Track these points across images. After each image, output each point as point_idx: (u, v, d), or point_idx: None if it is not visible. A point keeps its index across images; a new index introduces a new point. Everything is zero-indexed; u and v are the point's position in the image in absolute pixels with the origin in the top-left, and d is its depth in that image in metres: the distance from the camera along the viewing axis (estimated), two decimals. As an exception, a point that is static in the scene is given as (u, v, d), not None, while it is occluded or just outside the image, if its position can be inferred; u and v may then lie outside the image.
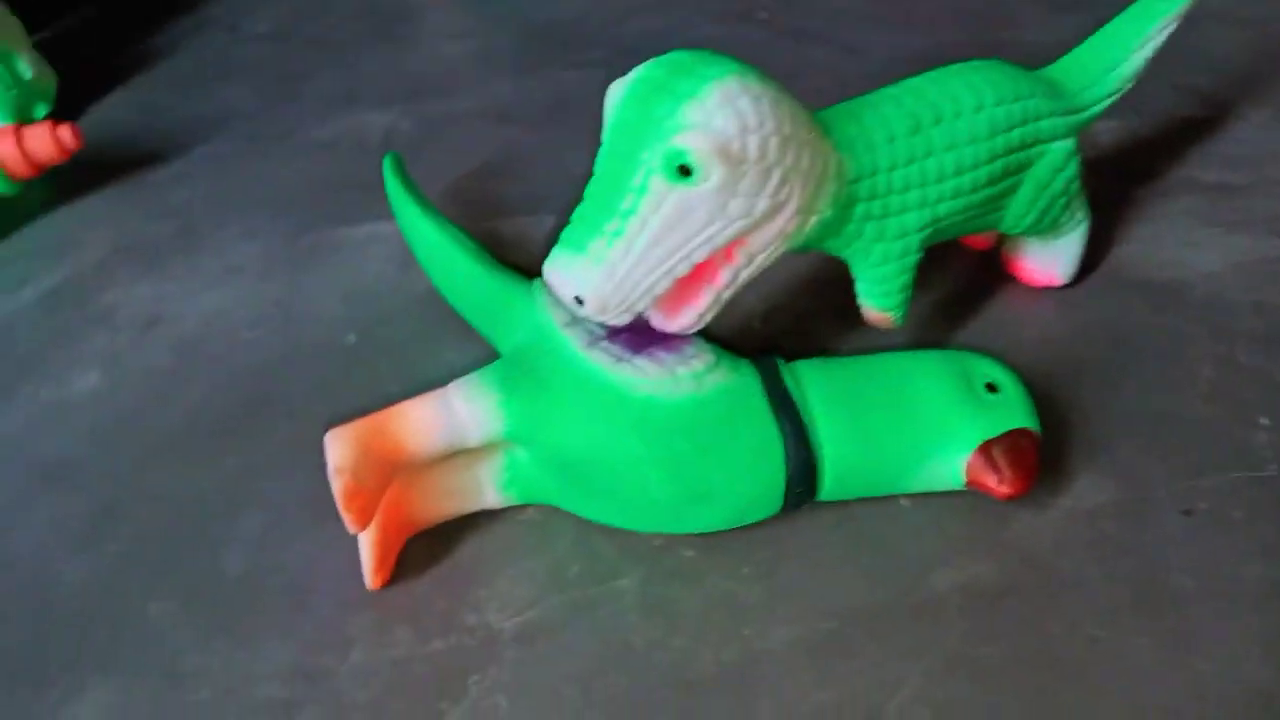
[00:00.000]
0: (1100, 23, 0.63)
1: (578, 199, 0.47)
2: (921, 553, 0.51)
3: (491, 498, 0.52)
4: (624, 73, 0.47)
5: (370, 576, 0.48)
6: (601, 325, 0.50)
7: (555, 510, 0.53)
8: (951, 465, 0.50)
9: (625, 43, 0.95)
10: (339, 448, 0.45)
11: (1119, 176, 0.74)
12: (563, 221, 0.46)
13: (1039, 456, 0.50)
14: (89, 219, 0.77)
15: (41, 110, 0.85)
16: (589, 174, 0.47)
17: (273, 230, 0.75)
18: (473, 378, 0.50)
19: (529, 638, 0.48)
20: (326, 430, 0.48)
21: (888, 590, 0.49)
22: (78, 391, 0.63)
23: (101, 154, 0.83)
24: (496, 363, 0.51)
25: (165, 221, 0.76)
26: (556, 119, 0.86)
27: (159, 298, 0.69)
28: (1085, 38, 0.62)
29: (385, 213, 0.73)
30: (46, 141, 0.73)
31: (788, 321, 0.64)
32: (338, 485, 0.45)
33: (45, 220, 0.77)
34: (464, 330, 0.63)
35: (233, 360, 0.64)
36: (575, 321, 0.51)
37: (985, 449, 0.49)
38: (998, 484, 0.49)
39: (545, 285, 0.54)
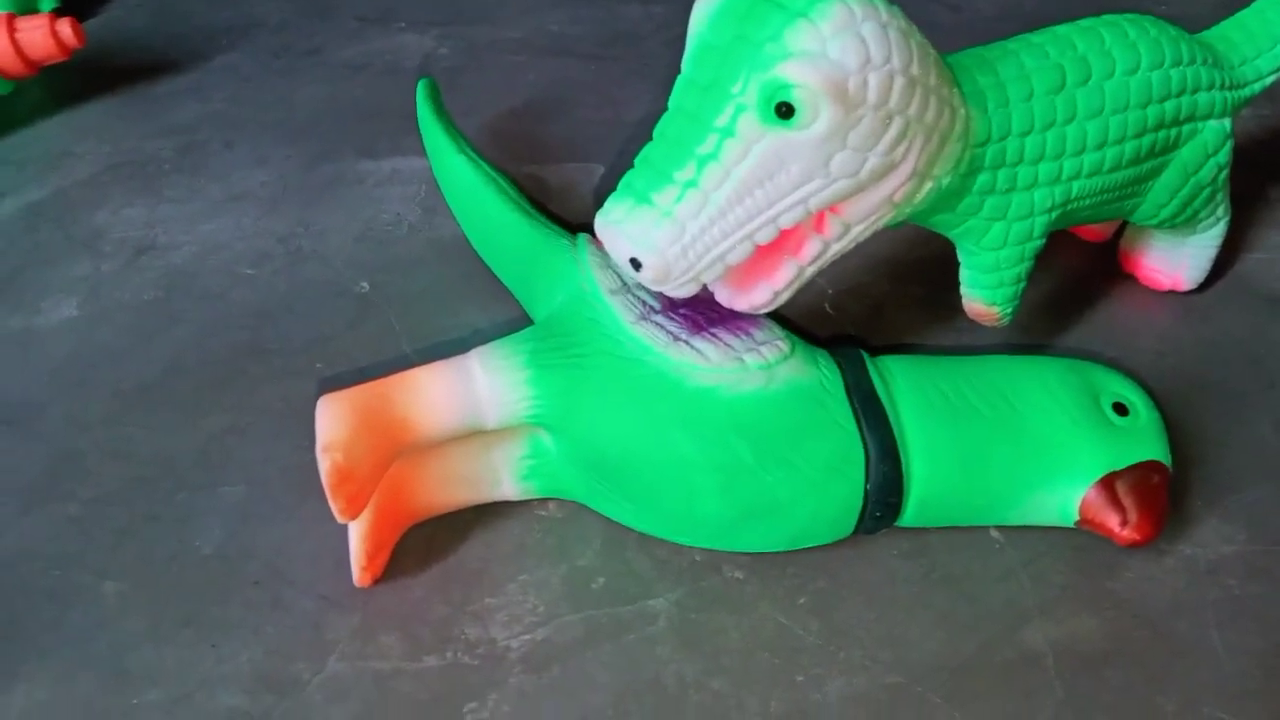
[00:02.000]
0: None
1: (634, 147, 0.38)
2: (1012, 599, 0.42)
3: (508, 488, 0.44)
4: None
5: (359, 571, 0.41)
6: (657, 296, 0.42)
7: (581, 508, 0.45)
8: (1064, 498, 0.41)
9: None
10: (331, 419, 0.37)
11: (1252, 171, 0.65)
12: (617, 170, 0.38)
13: (1169, 498, 0.42)
14: (84, 129, 0.69)
15: (47, 3, 0.77)
16: (651, 119, 0.39)
17: (287, 157, 0.66)
18: (498, 346, 0.41)
19: (540, 661, 0.40)
20: (322, 393, 0.40)
21: (969, 642, 0.41)
22: (50, 322, 0.55)
23: (106, 57, 0.75)
24: (527, 330, 0.43)
25: (168, 139, 0.68)
26: (613, 55, 0.77)
27: (152, 222, 0.61)
28: (1231, 12, 0.52)
29: (414, 147, 0.65)
30: (43, 35, 0.65)
31: (862, 309, 0.56)
32: (326, 465, 0.37)
33: (36, 127, 0.70)
34: (493, 287, 0.55)
35: (227, 300, 0.56)
36: (625, 289, 0.43)
37: (1108, 483, 0.41)
38: (1119, 526, 0.40)
39: (592, 242, 0.46)
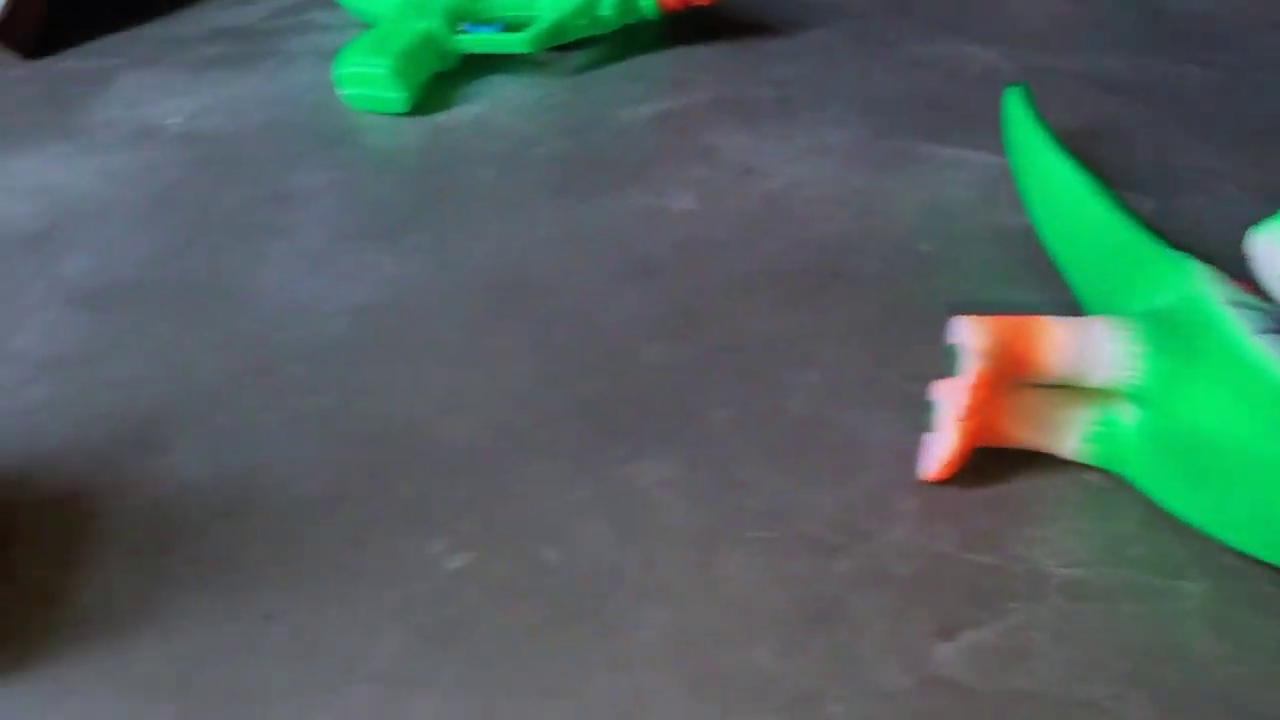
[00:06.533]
0: None
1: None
2: None
3: (1069, 445, 0.49)
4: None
5: (937, 465, 0.48)
6: (1275, 318, 0.45)
7: (1122, 485, 0.49)
8: None
9: (1262, 54, 0.86)
10: (980, 333, 0.45)
11: None
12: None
13: None
14: (697, 66, 0.83)
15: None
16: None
17: (863, 125, 0.76)
18: (1117, 320, 0.47)
19: (1079, 594, 0.45)
20: (959, 318, 0.48)
21: None
22: (674, 207, 0.68)
23: (718, 13, 0.89)
24: (1141, 316, 0.48)
25: (767, 88, 0.80)
26: (1168, 107, 0.79)
27: (754, 152, 0.73)
28: None
29: (973, 142, 0.72)
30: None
31: None
32: (973, 368, 0.44)
33: (659, 56, 0.84)
34: (1042, 276, 0.60)
35: (813, 226, 0.66)
36: (1240, 304, 0.46)
37: None
38: None
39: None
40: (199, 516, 0.50)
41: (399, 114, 0.78)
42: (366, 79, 0.77)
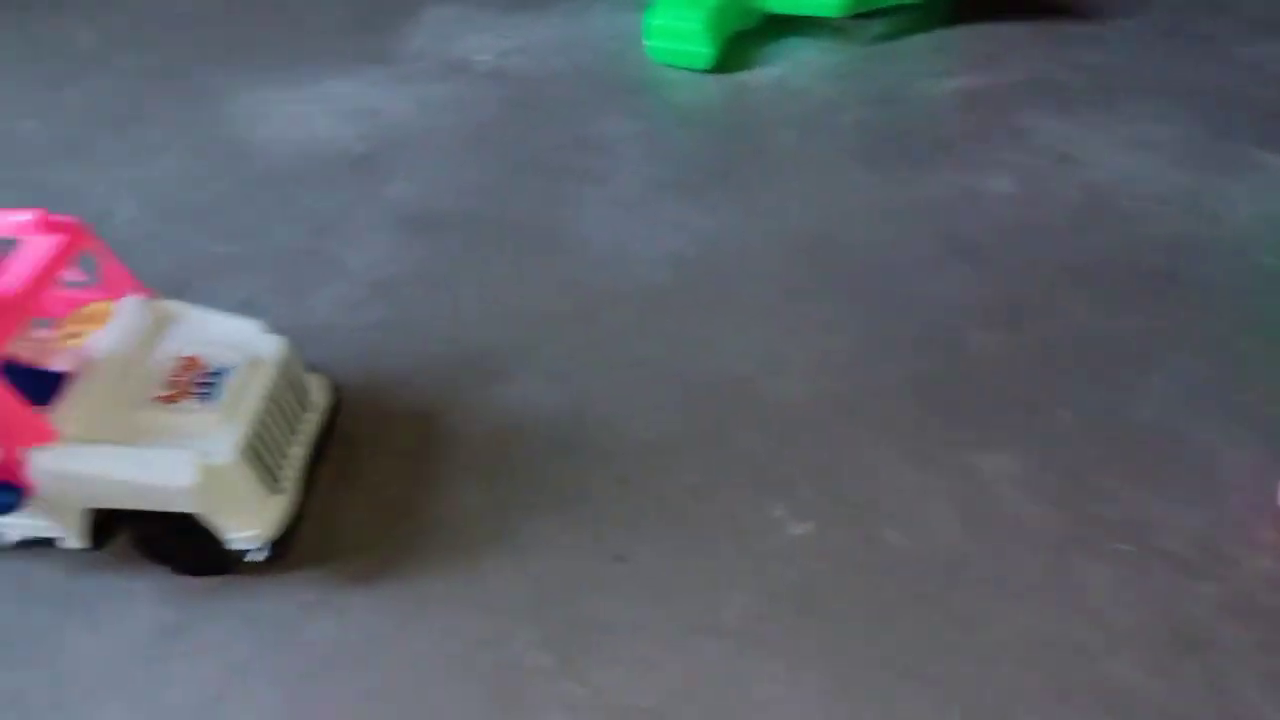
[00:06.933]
0: None
1: None
2: None
3: None
4: None
5: (1314, 499, 0.46)
6: None
7: None
8: None
9: None
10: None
11: None
12: None
13: None
14: (1000, 44, 0.80)
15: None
16: None
17: (1189, 123, 0.71)
18: None
19: None
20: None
21: None
22: (989, 189, 0.66)
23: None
24: None
25: (1078, 73, 0.76)
26: None
27: (1071, 138, 0.70)
28: None
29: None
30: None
31: None
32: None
33: (959, 31, 0.82)
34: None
35: (1142, 224, 0.63)
36: None
37: None
38: None
39: None
40: (540, 448, 0.52)
41: (701, 70, 0.78)
42: (676, 33, 0.77)
